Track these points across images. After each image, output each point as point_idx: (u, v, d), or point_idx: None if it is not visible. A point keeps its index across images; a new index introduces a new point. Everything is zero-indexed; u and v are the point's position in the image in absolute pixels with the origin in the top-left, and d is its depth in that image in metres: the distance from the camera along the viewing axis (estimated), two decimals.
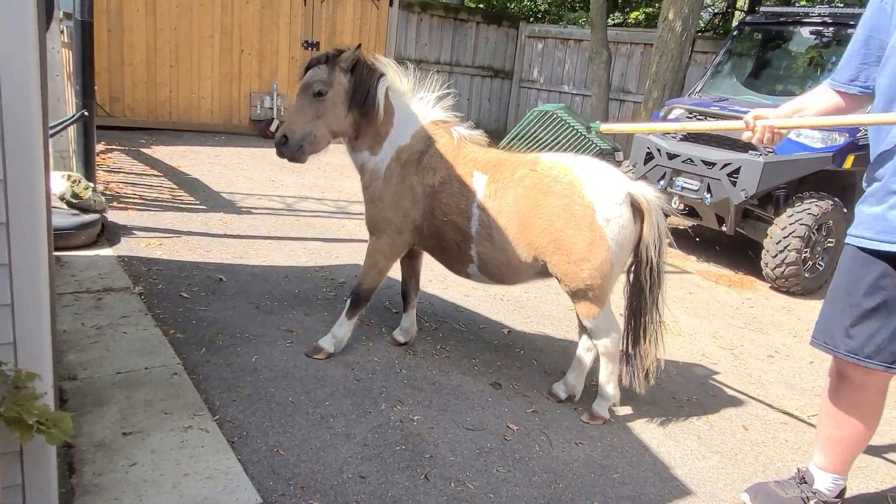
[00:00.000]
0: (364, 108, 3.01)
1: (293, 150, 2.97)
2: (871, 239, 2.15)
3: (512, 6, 15.09)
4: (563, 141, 2.87)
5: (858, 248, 2.20)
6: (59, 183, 4.32)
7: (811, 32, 6.41)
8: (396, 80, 3.08)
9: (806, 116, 2.43)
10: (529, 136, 2.89)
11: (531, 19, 14.46)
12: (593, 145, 3.67)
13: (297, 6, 9.32)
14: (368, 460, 2.46)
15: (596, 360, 3.04)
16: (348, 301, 3.22)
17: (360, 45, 3.01)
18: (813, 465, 2.48)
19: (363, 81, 2.99)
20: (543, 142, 2.88)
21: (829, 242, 5.42)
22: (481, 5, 14.66)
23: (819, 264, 5.43)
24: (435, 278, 4.50)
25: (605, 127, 2.92)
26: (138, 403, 2.56)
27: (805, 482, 2.47)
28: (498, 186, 2.90)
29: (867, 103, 2.33)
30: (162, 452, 2.28)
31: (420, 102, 3.13)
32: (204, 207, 5.58)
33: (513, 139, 2.91)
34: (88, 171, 4.81)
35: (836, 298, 2.29)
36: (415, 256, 3.39)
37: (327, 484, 2.29)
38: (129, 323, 3.22)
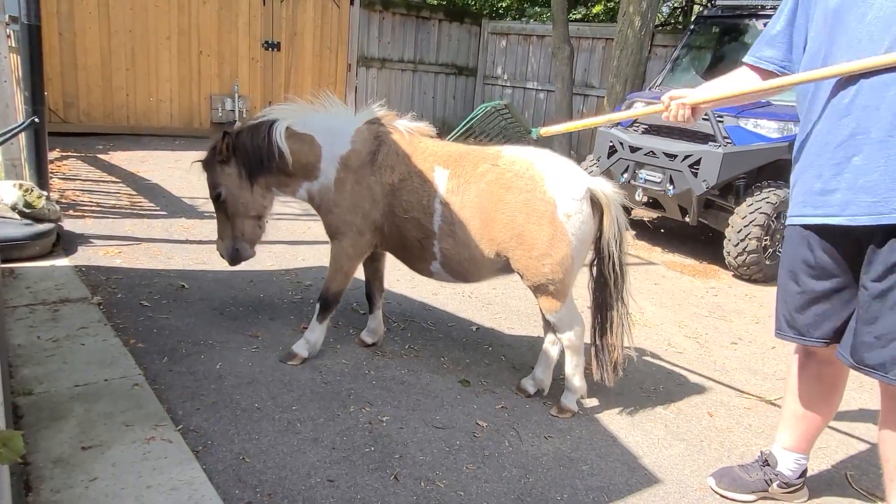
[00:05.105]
0: (272, 165, 2.98)
1: (234, 258, 3.15)
2: (804, 215, 2.19)
3: (474, 4, 15.10)
4: (510, 134, 2.89)
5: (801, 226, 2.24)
6: (10, 192, 4.19)
7: (766, 24, 6.55)
8: (290, 112, 3.04)
9: (718, 88, 2.45)
10: (477, 131, 2.90)
11: (493, 16, 14.49)
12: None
13: (255, 6, 9.19)
14: (337, 464, 2.44)
15: (562, 354, 3.06)
16: (318, 306, 3.18)
17: (225, 132, 2.97)
18: (777, 447, 2.53)
19: (255, 147, 2.95)
20: (490, 135, 2.90)
21: None
22: (443, 2, 14.64)
23: (779, 251, 5.53)
24: (403, 278, 4.48)
25: (545, 130, 2.95)
26: (98, 416, 2.49)
27: (768, 464, 2.53)
28: (460, 181, 2.88)
29: None
30: (123, 465, 2.23)
31: (338, 111, 3.09)
32: (164, 213, 5.47)
33: (460, 134, 2.92)
34: (41, 179, 4.67)
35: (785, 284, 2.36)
36: (377, 258, 3.37)
37: (295, 490, 2.26)
38: (87, 334, 3.13)
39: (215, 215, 3.16)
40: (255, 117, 3.10)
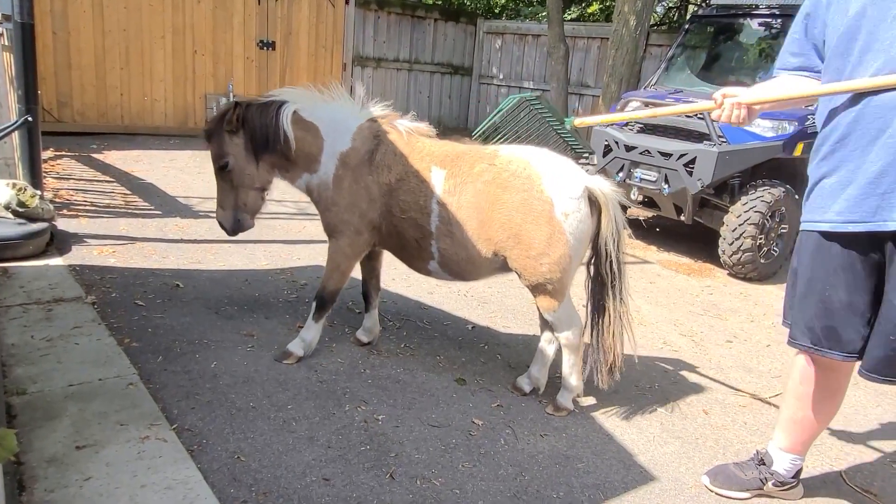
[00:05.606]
0: (276, 146, 2.98)
1: (234, 229, 3.11)
2: (833, 222, 2.10)
3: (469, 4, 15.09)
4: (537, 134, 2.81)
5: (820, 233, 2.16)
6: (4, 191, 4.16)
7: (761, 24, 6.58)
8: (301, 98, 3.04)
9: (771, 90, 2.33)
10: (504, 129, 2.83)
11: (488, 15, 14.49)
12: (566, 146, 3.48)
13: (250, 5, 9.16)
14: (332, 462, 2.43)
15: (558, 353, 3.06)
16: (314, 304, 3.17)
17: (237, 103, 2.97)
18: (773, 446, 2.53)
19: (262, 125, 2.95)
20: (517, 136, 2.82)
21: (783, 228, 5.57)
22: (439, 2, 14.63)
23: (774, 250, 5.58)
24: (398, 276, 4.48)
25: (579, 121, 2.91)
26: (92, 416, 2.48)
27: (763, 463, 2.53)
28: (457, 181, 2.88)
29: None
30: (117, 465, 2.22)
31: (345, 105, 3.08)
32: (159, 212, 5.45)
33: (484, 131, 2.85)
34: (35, 178, 4.64)
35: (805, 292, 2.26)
36: (374, 257, 3.36)
37: (290, 488, 2.26)
38: (81, 333, 3.12)
39: (217, 184, 3.10)
40: (265, 95, 3.09)
